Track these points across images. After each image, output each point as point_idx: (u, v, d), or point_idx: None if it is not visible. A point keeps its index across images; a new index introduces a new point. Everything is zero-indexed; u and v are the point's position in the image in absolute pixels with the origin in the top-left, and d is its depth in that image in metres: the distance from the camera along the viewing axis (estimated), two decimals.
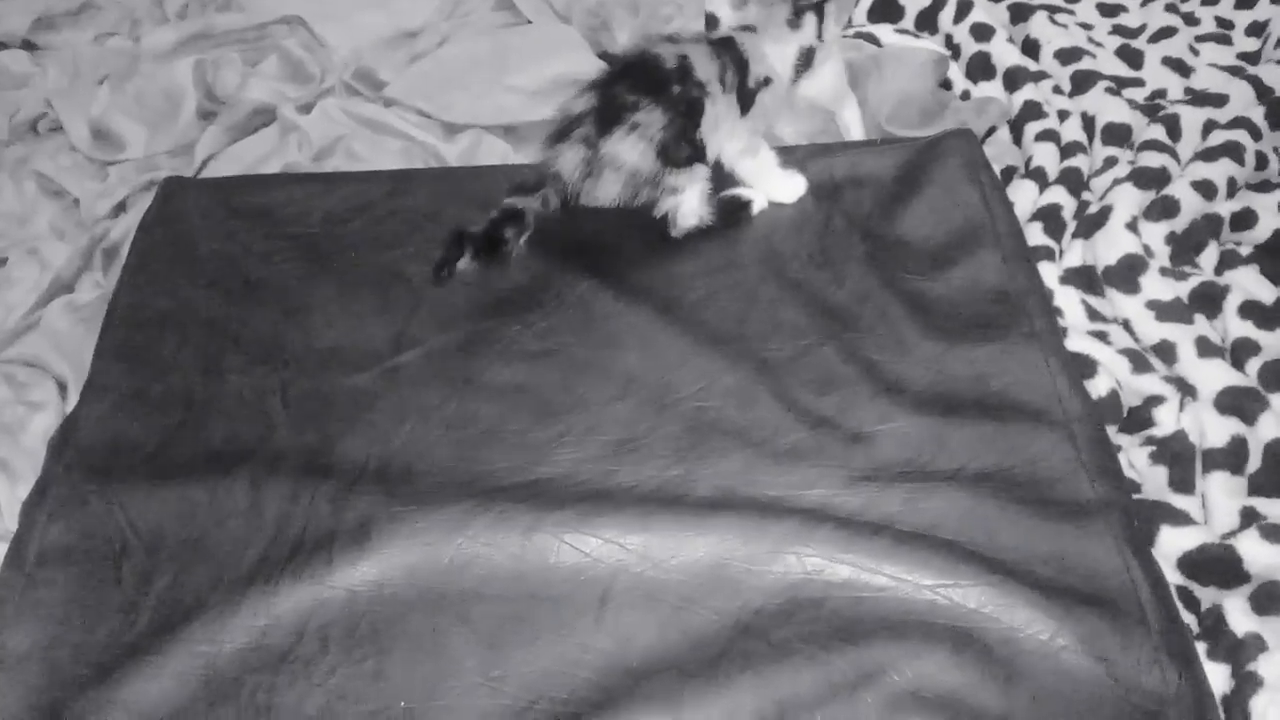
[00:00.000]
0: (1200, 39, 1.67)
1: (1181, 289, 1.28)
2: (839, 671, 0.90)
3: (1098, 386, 1.18)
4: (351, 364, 1.15)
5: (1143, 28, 1.69)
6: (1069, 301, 1.28)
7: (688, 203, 1.22)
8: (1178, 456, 1.14)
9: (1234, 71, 1.58)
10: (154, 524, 1.02)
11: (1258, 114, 1.45)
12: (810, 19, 1.23)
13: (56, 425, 1.18)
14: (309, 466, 1.06)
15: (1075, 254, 1.33)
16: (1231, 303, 1.26)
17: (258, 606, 0.95)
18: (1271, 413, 1.15)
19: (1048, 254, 1.32)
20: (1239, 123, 1.43)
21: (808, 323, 1.17)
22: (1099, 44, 1.66)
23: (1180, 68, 1.61)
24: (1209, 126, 1.45)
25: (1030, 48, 1.63)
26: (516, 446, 1.07)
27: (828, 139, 1.46)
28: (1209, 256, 1.33)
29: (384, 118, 1.52)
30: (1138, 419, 1.18)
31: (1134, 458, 1.15)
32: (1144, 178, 1.37)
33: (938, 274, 1.22)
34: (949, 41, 1.66)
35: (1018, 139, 1.51)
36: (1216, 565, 1.04)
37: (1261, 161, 1.42)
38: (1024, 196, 1.39)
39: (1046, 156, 1.44)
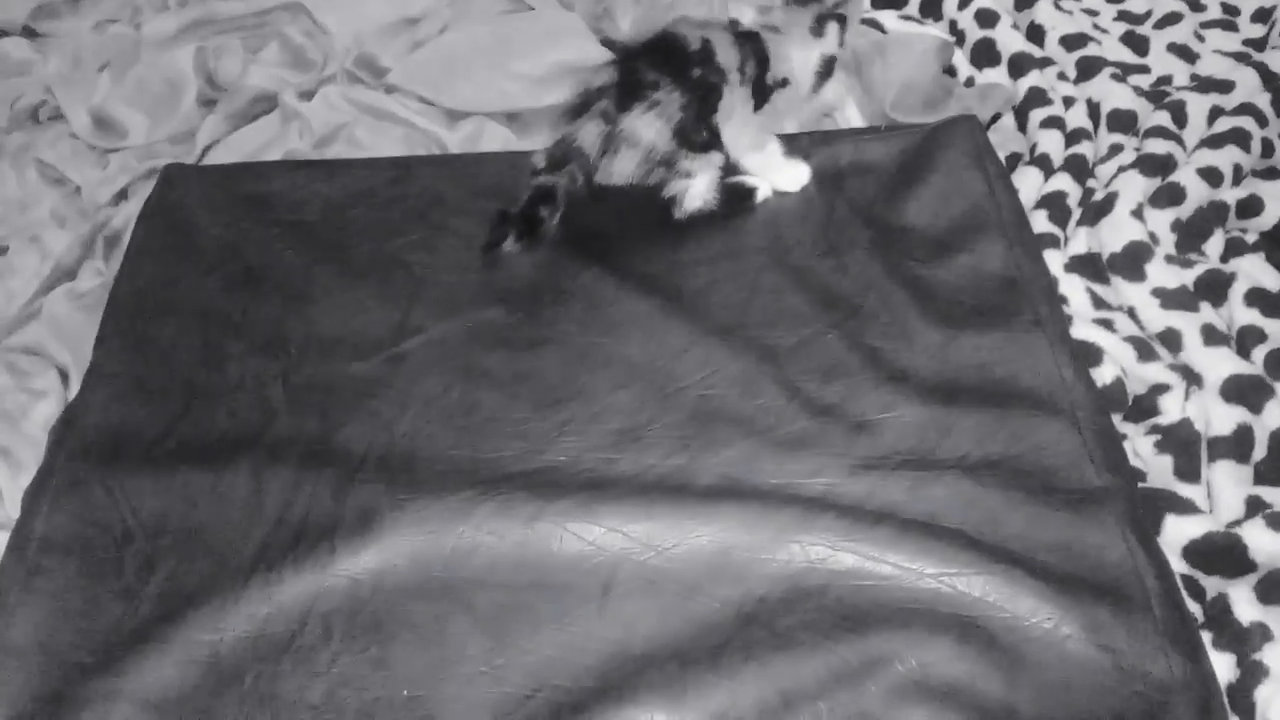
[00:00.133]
0: (1206, 25, 1.66)
1: (1187, 276, 1.27)
2: (843, 660, 0.90)
3: (1103, 374, 1.17)
4: (353, 352, 1.15)
5: (1148, 14, 1.68)
6: (1074, 289, 1.28)
7: (696, 187, 1.22)
8: (1183, 445, 1.13)
9: (1240, 58, 1.57)
10: (156, 512, 1.02)
11: (1264, 100, 1.44)
12: (833, 27, 1.23)
13: (58, 413, 1.18)
14: (311, 454, 1.06)
15: (1080, 241, 1.32)
16: (1237, 290, 1.25)
17: (260, 595, 0.95)
18: (1277, 401, 1.15)
19: (1053, 241, 1.32)
20: (1245, 109, 1.42)
21: (811, 311, 1.17)
22: (1104, 30, 1.65)
23: (1186, 54, 1.60)
24: (1215, 113, 1.44)
25: (1035, 34, 1.62)
26: (519, 435, 1.07)
27: (830, 126, 1.46)
28: (1215, 244, 1.33)
29: (386, 105, 1.52)
30: (1143, 407, 1.18)
31: (1139, 446, 1.14)
32: (1149, 165, 1.36)
33: (942, 262, 1.21)
34: (953, 28, 1.65)
35: (1022, 126, 1.50)
36: (1222, 554, 1.04)
37: (1267, 148, 1.41)
38: (1029, 183, 1.38)
39: (1051, 143, 1.43)
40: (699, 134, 1.18)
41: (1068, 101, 1.49)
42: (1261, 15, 1.66)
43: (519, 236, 1.19)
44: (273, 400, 1.11)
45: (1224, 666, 0.96)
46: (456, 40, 1.60)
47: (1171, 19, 1.65)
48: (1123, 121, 1.46)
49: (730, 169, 1.26)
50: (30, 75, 1.61)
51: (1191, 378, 1.18)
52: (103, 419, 1.10)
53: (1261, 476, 1.11)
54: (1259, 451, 1.12)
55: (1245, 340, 1.21)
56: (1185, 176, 1.35)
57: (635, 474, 1.03)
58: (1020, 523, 0.98)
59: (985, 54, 1.58)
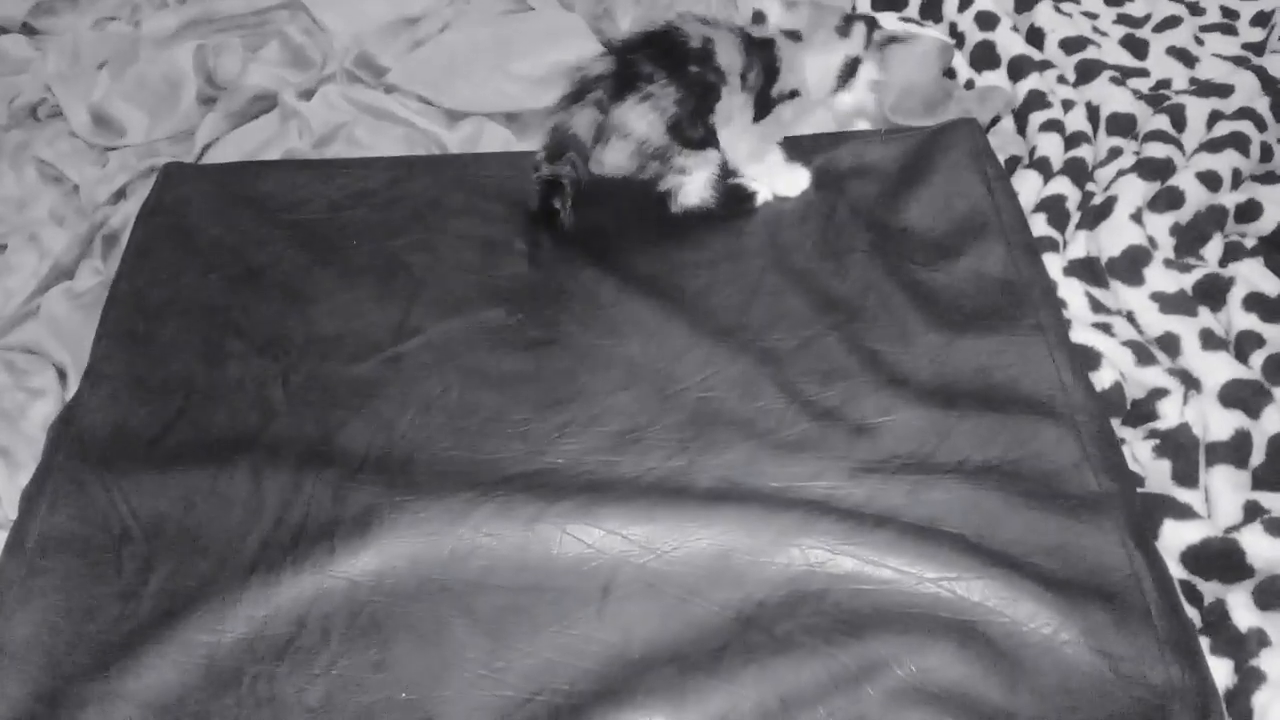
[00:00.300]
0: (1205, 29, 1.66)
1: (1186, 281, 1.27)
2: (842, 664, 0.90)
3: (1101, 379, 1.17)
4: (353, 352, 1.15)
5: (1147, 17, 1.68)
6: (1073, 293, 1.28)
7: (692, 184, 1.22)
8: (1181, 450, 1.13)
9: (1239, 62, 1.57)
10: (155, 512, 1.02)
11: (1263, 105, 1.44)
12: (859, 28, 1.23)
13: (56, 412, 1.17)
14: (310, 455, 1.06)
15: (1079, 245, 1.33)
16: (1236, 295, 1.25)
17: (259, 596, 0.95)
18: (1275, 406, 1.15)
19: (1052, 245, 1.32)
20: (1244, 114, 1.43)
21: (811, 313, 1.17)
22: (1104, 33, 1.66)
23: (1185, 58, 1.60)
24: (1214, 117, 1.44)
25: (1035, 37, 1.62)
26: (519, 436, 1.07)
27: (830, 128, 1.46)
28: (1213, 248, 1.33)
29: (385, 104, 1.52)
30: (1141, 412, 1.18)
31: (1137, 451, 1.15)
32: (1148, 169, 1.36)
33: (942, 265, 1.22)
34: (953, 30, 1.65)
35: (1022, 129, 1.50)
36: (1220, 559, 1.04)
37: (1266, 153, 1.41)
38: (1028, 187, 1.38)
39: (1051, 147, 1.43)
40: (695, 131, 1.17)
41: (1067, 105, 1.49)
42: (1261, 19, 1.66)
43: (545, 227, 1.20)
44: (272, 400, 1.11)
45: (1222, 672, 0.96)
46: (456, 40, 1.60)
47: (1171, 22, 1.65)
48: (1122, 125, 1.47)
49: (730, 170, 1.26)
50: (29, 73, 1.61)
51: (1190, 382, 1.19)
52: (101, 418, 1.10)
53: (1260, 482, 1.11)
54: (1257, 456, 1.13)
55: (1244, 345, 1.22)
56: (1184, 180, 1.35)
57: (635, 476, 1.03)
58: (1019, 527, 0.98)
59: (985, 57, 1.59)
